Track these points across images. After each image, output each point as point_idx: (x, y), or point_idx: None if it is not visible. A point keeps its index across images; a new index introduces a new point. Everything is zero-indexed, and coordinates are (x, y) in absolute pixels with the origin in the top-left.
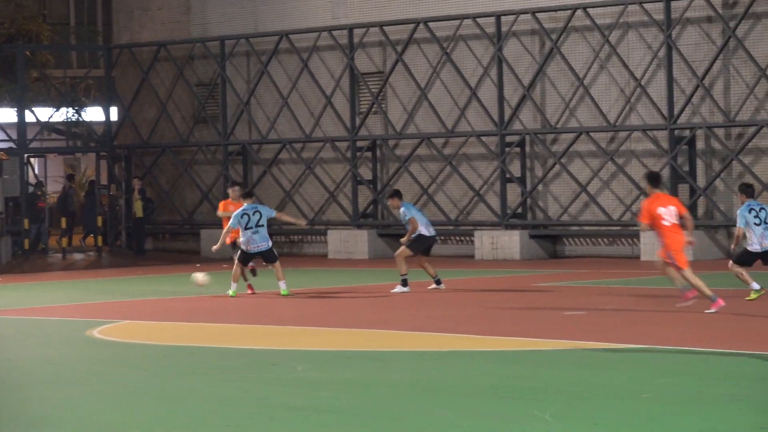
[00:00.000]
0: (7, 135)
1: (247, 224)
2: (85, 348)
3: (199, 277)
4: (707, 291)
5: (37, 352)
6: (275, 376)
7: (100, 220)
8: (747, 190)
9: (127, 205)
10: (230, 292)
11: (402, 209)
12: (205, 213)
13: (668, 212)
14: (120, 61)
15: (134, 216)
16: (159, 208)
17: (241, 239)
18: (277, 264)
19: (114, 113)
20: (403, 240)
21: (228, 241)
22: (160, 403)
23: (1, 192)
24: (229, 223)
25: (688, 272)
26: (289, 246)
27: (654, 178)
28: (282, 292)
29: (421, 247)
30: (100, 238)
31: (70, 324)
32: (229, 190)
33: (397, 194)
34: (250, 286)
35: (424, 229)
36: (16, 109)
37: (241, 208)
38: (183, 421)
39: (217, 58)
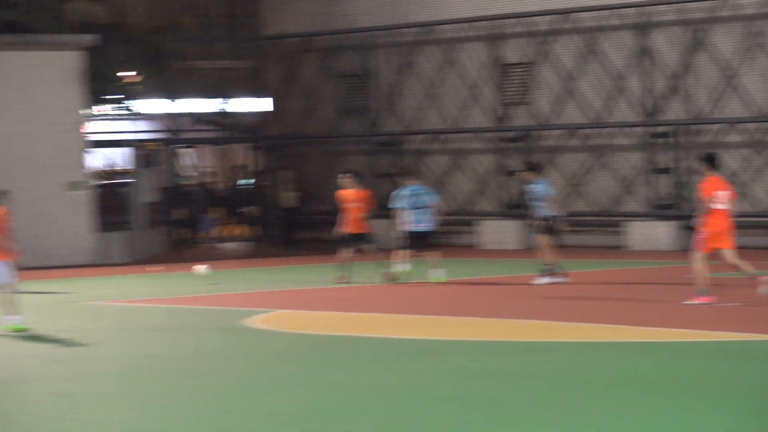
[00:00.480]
0: (159, 126)
1: (413, 204)
2: (240, 337)
3: (200, 269)
4: (705, 282)
5: (193, 341)
6: (428, 366)
7: (253, 210)
8: None
9: (278, 195)
10: (437, 278)
11: (539, 185)
12: None
13: (724, 196)
14: (267, 52)
15: (285, 206)
16: (309, 198)
17: (405, 219)
18: (433, 252)
19: (263, 104)
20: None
21: (348, 229)
22: (312, 392)
23: (155, 182)
24: (397, 203)
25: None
26: (447, 237)
27: (712, 160)
28: (436, 280)
29: (552, 232)
30: (252, 228)
31: (226, 313)
32: (341, 179)
33: (535, 168)
34: (344, 278)
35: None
36: (167, 100)
37: (408, 188)
38: (336, 410)
39: (362, 50)
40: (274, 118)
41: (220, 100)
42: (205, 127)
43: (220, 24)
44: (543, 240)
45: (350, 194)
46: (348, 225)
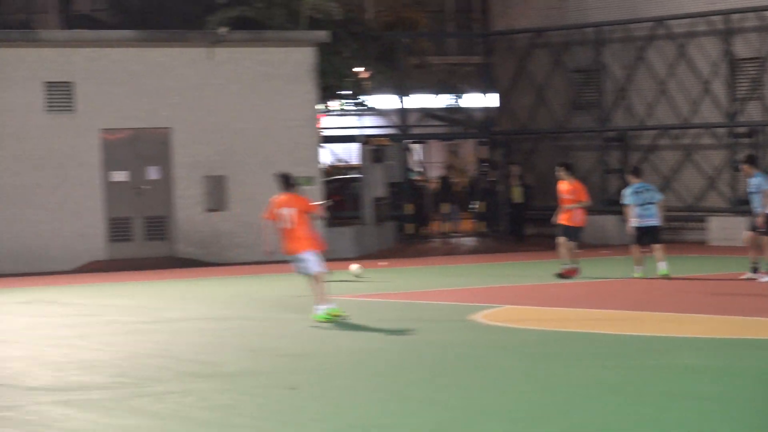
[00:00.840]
0: (389, 122)
1: (639, 201)
2: (468, 332)
3: (354, 268)
4: None
5: (418, 336)
6: (654, 363)
7: (481, 205)
8: None
9: (507, 190)
10: (663, 271)
11: (757, 179)
12: None
13: None
14: (497, 47)
15: (514, 202)
16: (538, 193)
17: (632, 215)
18: (659, 247)
19: (492, 100)
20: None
21: (563, 220)
22: (536, 388)
23: (384, 177)
24: (624, 200)
25: None
26: (669, 233)
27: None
28: (663, 273)
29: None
30: (481, 223)
31: (453, 308)
32: (557, 171)
33: (754, 161)
34: (571, 270)
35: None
36: (397, 95)
37: (633, 186)
38: (560, 406)
39: (594, 45)
40: (503, 113)
41: (450, 95)
42: (435, 123)
43: (452, 20)
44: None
45: (564, 186)
46: (561, 217)
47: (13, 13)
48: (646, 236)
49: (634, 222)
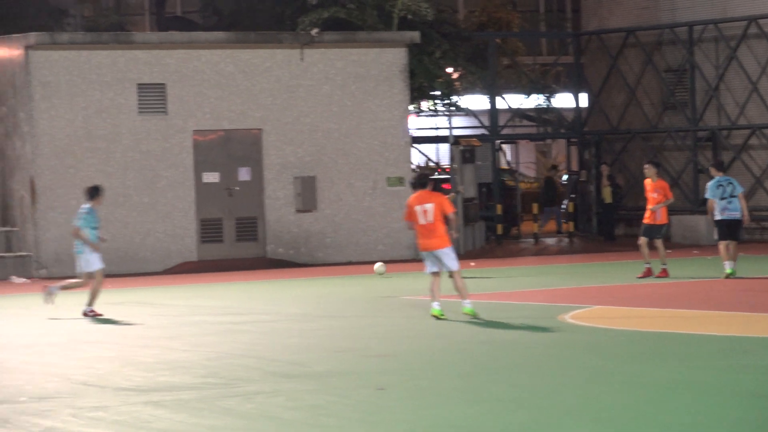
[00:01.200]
0: (480, 122)
1: (722, 195)
2: (556, 332)
3: (378, 267)
4: None
5: (508, 336)
6: (743, 363)
7: (570, 205)
8: None
9: (597, 191)
10: (728, 270)
11: None
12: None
13: None
14: (589, 47)
15: (604, 202)
16: (628, 194)
17: (715, 209)
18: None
19: (583, 100)
20: None
21: (646, 219)
22: (624, 388)
23: (474, 178)
24: (707, 193)
25: None
26: (761, 232)
27: None
28: (728, 271)
29: None
30: (571, 223)
31: (542, 309)
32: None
33: None
34: (662, 270)
35: None
36: (487, 96)
37: (716, 179)
38: (648, 406)
39: (685, 44)
40: (594, 113)
41: (541, 95)
42: (525, 123)
43: (543, 20)
44: None
45: (650, 184)
46: (646, 215)
47: (106, 16)
48: (730, 229)
49: (717, 215)
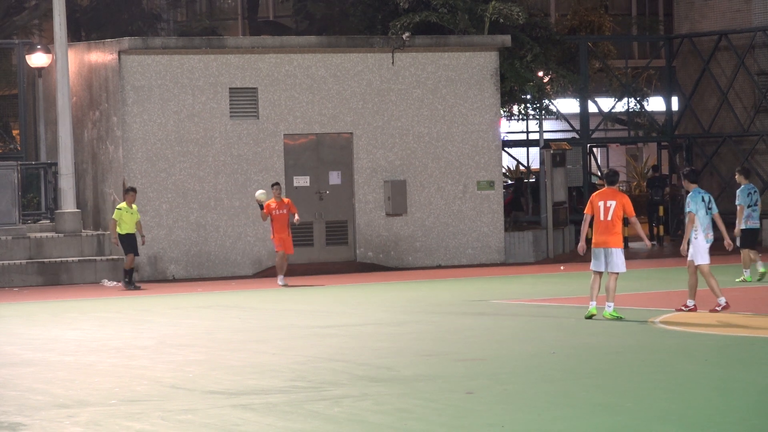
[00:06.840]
0: (570, 125)
1: (750, 202)
2: (647, 336)
3: (260, 194)
4: None
5: (598, 340)
6: None
7: (661, 209)
8: None
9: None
10: (746, 277)
11: None
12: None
13: None
14: (681, 50)
15: None
16: (720, 197)
17: (745, 216)
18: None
19: (675, 103)
20: None
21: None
22: (717, 393)
23: (565, 182)
24: (739, 200)
25: None
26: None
27: None
28: (762, 270)
29: None
30: (661, 227)
31: (633, 313)
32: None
33: None
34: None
35: None
36: (578, 99)
37: (746, 186)
38: (739, 412)
39: None
40: (688, 116)
41: (632, 99)
42: (616, 126)
43: (636, 23)
44: None
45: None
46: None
47: (199, 20)
48: (750, 238)
49: (745, 224)
